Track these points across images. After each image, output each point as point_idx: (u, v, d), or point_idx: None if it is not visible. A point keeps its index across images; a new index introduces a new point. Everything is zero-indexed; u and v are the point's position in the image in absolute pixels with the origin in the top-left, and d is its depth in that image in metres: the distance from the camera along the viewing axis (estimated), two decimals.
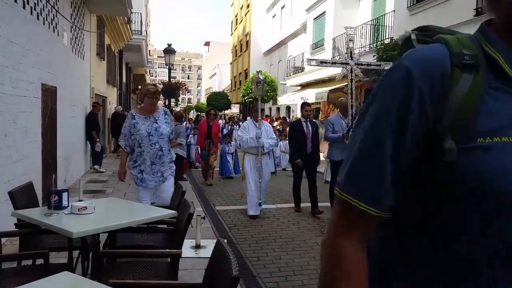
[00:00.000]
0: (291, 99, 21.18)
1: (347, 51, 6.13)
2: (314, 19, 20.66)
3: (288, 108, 26.30)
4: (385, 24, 14.28)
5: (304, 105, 7.18)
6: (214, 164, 10.08)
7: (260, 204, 6.76)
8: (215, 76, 67.13)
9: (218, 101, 35.47)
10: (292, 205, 7.65)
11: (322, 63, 6.06)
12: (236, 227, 6.14)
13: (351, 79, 5.94)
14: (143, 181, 4.56)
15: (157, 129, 4.55)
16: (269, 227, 6.19)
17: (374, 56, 10.22)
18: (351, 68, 5.94)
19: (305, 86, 21.16)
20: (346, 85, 19.07)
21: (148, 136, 4.50)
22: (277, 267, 4.56)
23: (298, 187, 7.25)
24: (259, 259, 4.82)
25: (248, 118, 7.51)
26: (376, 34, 15.02)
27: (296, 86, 22.55)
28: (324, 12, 19.27)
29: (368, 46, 14.84)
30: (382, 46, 10.35)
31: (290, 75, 23.45)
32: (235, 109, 43.63)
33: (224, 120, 24.71)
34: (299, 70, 22.59)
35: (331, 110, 18.98)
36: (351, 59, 6.01)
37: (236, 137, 13.62)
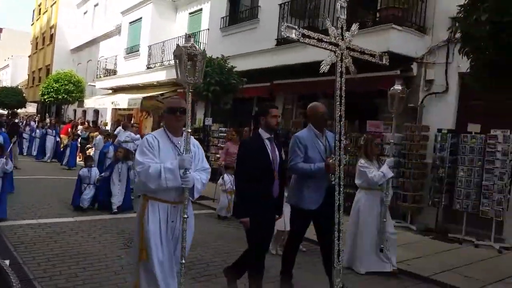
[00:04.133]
0: (101, 102, 19.93)
1: (337, 25, 3.87)
2: (130, 23, 20.05)
3: (96, 112, 24.63)
4: (200, 41, 14.89)
5: (268, 108, 4.09)
6: None
7: None
8: (7, 68, 57.97)
9: (9, 97, 30.52)
10: (95, 217, 7.14)
11: (304, 36, 3.63)
12: (24, 245, 5.32)
13: (341, 72, 3.83)
14: None
15: None
16: (65, 242, 5.58)
17: None
18: (342, 54, 3.84)
19: (117, 90, 20.24)
20: (162, 94, 18.65)
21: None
22: (73, 286, 4.14)
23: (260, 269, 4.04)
24: (51, 279, 4.28)
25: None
26: None
27: (107, 89, 21.35)
28: (141, 18, 18.90)
29: None
30: None
31: (100, 76, 22.06)
32: (31, 108, 38.51)
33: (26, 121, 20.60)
34: (111, 72, 21.47)
35: (144, 118, 18.65)
36: (342, 39, 3.83)
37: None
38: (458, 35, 4.55)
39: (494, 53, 4.05)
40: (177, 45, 3.24)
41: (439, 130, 7.50)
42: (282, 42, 10.69)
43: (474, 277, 5.13)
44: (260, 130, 4.02)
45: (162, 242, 3.14)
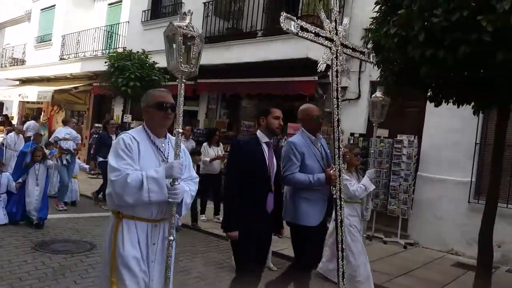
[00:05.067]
0: (6, 94, 18.19)
1: (329, 17, 3.54)
2: (42, 10, 18.57)
3: (0, 104, 22.42)
4: (119, 33, 14.28)
5: (269, 107, 3.60)
6: None
7: None
8: None
9: None
10: None
11: (303, 30, 3.24)
12: None
13: (336, 71, 3.50)
14: None
15: None
16: None
17: (106, 62, 10.01)
18: (337, 51, 3.53)
19: (25, 81, 18.62)
20: (76, 87, 17.58)
21: None
22: None
23: None
24: None
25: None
26: (109, 41, 14.80)
27: (14, 80, 19.56)
28: (54, 5, 17.60)
29: (101, 51, 14.44)
30: (115, 54, 10.26)
31: (6, 66, 20.15)
32: None
33: None
34: (18, 62, 19.70)
35: (55, 112, 17.39)
36: (336, 34, 3.50)
37: None
38: (370, 45, 4.87)
39: (401, 64, 4.41)
40: (170, 23, 2.60)
41: (352, 134, 8.00)
42: (207, 41, 10.63)
43: (382, 271, 5.53)
44: (259, 132, 3.49)
45: (140, 272, 2.47)
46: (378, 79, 5.13)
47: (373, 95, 4.75)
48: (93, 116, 15.23)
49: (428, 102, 4.85)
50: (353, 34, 8.41)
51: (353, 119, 8.31)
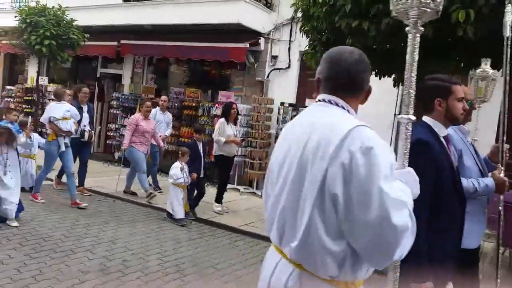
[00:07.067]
0: None
1: None
2: None
3: None
4: None
5: (451, 84, 2.29)
6: None
7: None
8: None
9: None
10: None
11: None
12: None
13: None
14: None
15: None
16: None
17: (15, 17, 9.02)
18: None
19: None
20: None
21: None
22: None
23: None
24: None
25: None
26: None
27: None
28: None
29: (10, 4, 12.99)
30: (27, 8, 9.27)
31: None
32: None
33: None
34: None
35: None
36: None
37: None
38: (299, 13, 4.84)
39: (329, 34, 4.45)
40: None
41: (282, 104, 8.08)
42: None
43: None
44: (432, 121, 2.28)
45: None
46: (306, 48, 5.15)
47: (480, 69, 3.17)
48: (4, 77, 13.86)
49: None
50: (284, 2, 8.36)
51: (283, 88, 8.38)
